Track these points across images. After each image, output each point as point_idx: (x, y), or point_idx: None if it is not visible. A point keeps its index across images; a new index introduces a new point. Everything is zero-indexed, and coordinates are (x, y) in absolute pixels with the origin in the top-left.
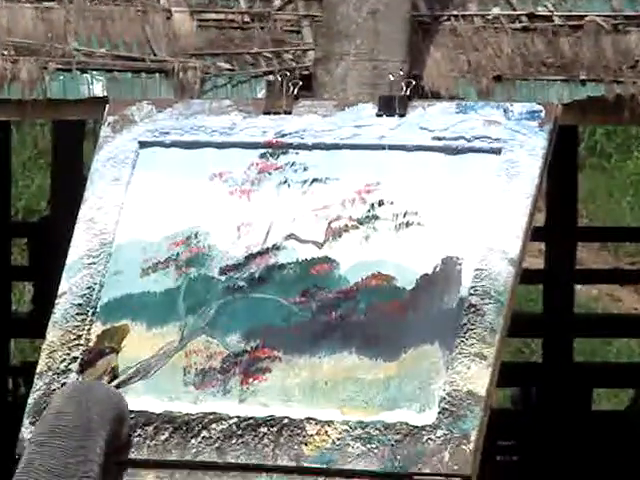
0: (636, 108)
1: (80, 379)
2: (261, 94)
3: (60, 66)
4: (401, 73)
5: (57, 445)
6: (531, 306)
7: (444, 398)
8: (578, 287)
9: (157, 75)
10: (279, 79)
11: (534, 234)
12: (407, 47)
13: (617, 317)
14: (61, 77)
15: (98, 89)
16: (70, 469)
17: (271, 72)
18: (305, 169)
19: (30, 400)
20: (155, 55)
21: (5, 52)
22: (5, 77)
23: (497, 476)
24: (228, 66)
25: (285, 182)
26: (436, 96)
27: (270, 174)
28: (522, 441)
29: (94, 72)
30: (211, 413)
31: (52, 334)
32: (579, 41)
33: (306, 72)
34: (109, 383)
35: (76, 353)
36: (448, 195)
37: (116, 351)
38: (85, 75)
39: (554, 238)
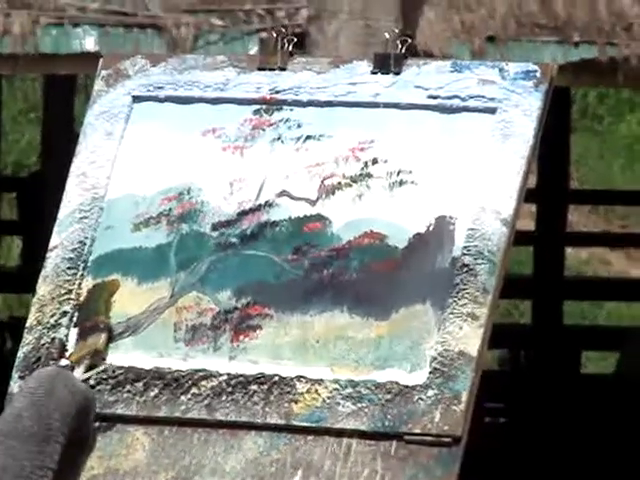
0: (629, 71)
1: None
2: (253, 51)
3: (52, 20)
4: (396, 31)
5: (14, 447)
6: (521, 268)
7: (435, 358)
8: (568, 250)
9: (149, 31)
10: (273, 35)
11: (525, 196)
12: (400, 6)
13: (607, 280)
14: (53, 31)
15: (90, 44)
16: (25, 471)
17: (264, 29)
18: (299, 126)
19: (19, 354)
20: (148, 10)
21: None
22: None
23: (485, 438)
24: (221, 23)
25: (279, 139)
26: (429, 56)
27: (264, 130)
28: (510, 403)
29: (86, 26)
30: (201, 370)
31: (42, 288)
32: (573, 2)
33: (298, 30)
34: (88, 369)
35: (66, 307)
36: (442, 154)
37: (109, 329)
38: (77, 29)
39: (545, 200)
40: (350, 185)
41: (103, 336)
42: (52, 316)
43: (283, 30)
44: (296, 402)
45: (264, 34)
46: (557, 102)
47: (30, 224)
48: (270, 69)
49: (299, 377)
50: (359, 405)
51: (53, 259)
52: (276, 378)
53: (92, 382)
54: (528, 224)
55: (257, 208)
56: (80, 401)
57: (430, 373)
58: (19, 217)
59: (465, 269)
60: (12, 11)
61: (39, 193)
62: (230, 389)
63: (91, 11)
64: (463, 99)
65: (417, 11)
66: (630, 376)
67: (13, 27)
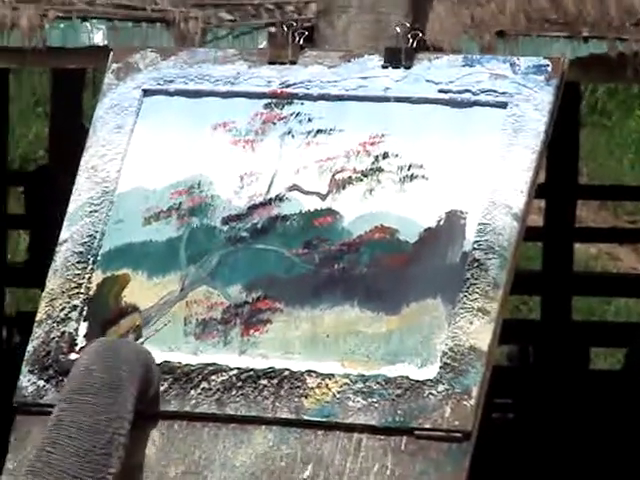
0: (639, 66)
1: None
2: (262, 46)
3: (60, 14)
4: (406, 25)
5: (87, 402)
6: (530, 264)
7: (446, 353)
8: (577, 245)
9: (158, 25)
10: (284, 29)
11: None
12: (410, 0)
13: (616, 276)
14: (61, 25)
15: (98, 38)
16: (101, 426)
17: (273, 24)
18: (310, 120)
19: (29, 348)
20: (156, 4)
21: None
22: (5, 24)
23: (492, 434)
24: (230, 17)
25: (289, 133)
26: (438, 51)
27: (274, 124)
28: (518, 399)
29: (94, 21)
30: (211, 364)
31: (52, 282)
32: None
33: (308, 24)
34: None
35: (76, 301)
36: (453, 149)
37: (138, 310)
38: (85, 24)
39: (554, 196)
40: (361, 179)
41: (137, 315)
42: (62, 310)
43: (293, 24)
44: (306, 397)
45: (273, 28)
46: (566, 97)
47: (37, 218)
48: (281, 63)
49: (309, 372)
50: (369, 400)
51: (63, 253)
52: (286, 372)
53: None
54: (537, 220)
55: (267, 202)
56: (145, 361)
57: (441, 368)
58: (26, 211)
59: (476, 264)
60: (20, 5)
61: (46, 187)
62: (240, 383)
63: (99, 5)
64: (474, 93)
65: (427, 5)
66: (638, 372)
67: (21, 21)
